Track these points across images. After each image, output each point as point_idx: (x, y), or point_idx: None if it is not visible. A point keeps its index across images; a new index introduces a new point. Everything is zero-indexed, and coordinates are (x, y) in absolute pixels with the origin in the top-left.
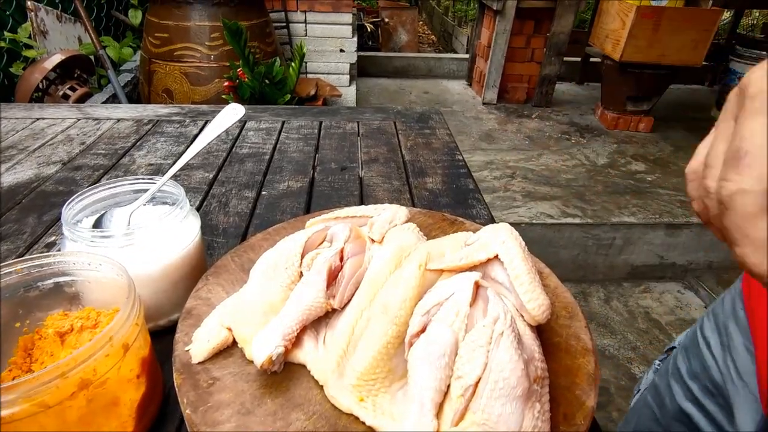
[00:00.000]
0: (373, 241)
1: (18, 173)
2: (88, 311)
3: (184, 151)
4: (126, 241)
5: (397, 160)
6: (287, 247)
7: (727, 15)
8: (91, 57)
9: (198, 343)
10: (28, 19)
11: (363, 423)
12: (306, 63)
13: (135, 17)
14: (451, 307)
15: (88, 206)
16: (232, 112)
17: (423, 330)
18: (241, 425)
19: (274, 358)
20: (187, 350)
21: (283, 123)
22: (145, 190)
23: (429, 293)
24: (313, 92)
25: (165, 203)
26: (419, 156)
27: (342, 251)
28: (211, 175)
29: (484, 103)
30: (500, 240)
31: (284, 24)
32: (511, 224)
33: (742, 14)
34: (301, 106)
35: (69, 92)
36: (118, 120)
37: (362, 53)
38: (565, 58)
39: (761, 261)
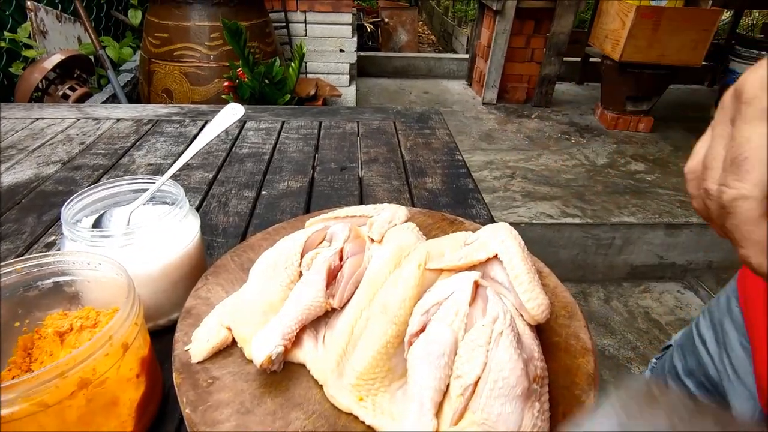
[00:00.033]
0: (372, 240)
1: (18, 173)
2: (88, 311)
3: (183, 151)
4: (125, 241)
5: (396, 160)
6: (287, 247)
7: (726, 15)
8: (91, 57)
9: (197, 343)
10: (28, 19)
11: (362, 422)
12: (306, 63)
13: (135, 17)
14: (450, 307)
15: (88, 206)
16: (232, 112)
17: (422, 329)
18: (241, 424)
19: (273, 358)
20: (187, 350)
21: (283, 123)
22: (145, 190)
23: (428, 293)
24: (312, 92)
25: (164, 203)
26: (419, 156)
27: (341, 251)
28: (211, 175)
29: (483, 103)
30: (499, 239)
31: (284, 24)
32: (511, 224)
33: (741, 14)
34: (300, 106)
35: (68, 92)
36: (118, 120)
37: (362, 53)
38: (565, 58)
39: (763, 262)
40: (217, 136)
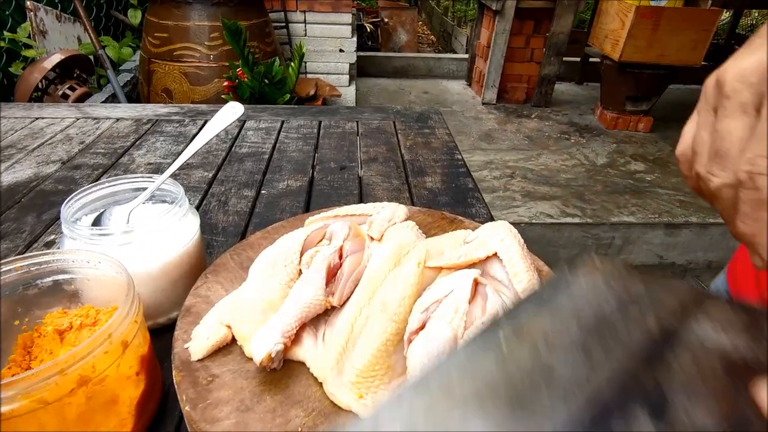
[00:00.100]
0: (372, 239)
1: (17, 172)
2: (88, 309)
3: (183, 150)
4: (125, 239)
5: (396, 160)
6: (286, 245)
7: (726, 15)
8: (91, 57)
9: (197, 341)
10: (28, 19)
11: None
12: (305, 63)
13: (134, 17)
14: (450, 305)
15: (88, 204)
16: (232, 111)
17: (422, 327)
18: (241, 422)
19: (273, 355)
20: (187, 348)
21: (283, 122)
22: (145, 189)
23: (428, 290)
24: (312, 92)
25: (164, 202)
26: (418, 155)
27: (341, 249)
28: (211, 174)
29: (483, 103)
30: (499, 238)
31: (284, 24)
32: (511, 224)
33: (741, 14)
34: (300, 106)
35: (68, 92)
36: (118, 119)
37: (362, 53)
38: (565, 58)
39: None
40: (217, 135)
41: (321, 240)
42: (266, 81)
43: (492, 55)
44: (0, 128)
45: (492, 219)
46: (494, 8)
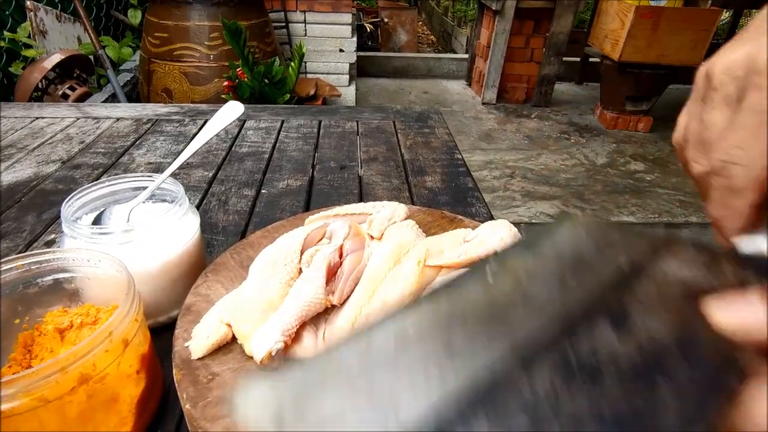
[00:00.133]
0: (372, 237)
1: (17, 172)
2: (88, 308)
3: (183, 150)
4: (125, 238)
5: (396, 159)
6: (286, 244)
7: (725, 15)
8: (91, 57)
9: (197, 339)
10: (28, 19)
11: None
12: (305, 63)
13: (134, 17)
14: None
15: (88, 203)
16: (232, 110)
17: None
18: None
19: (273, 354)
20: (187, 346)
21: (283, 122)
22: (145, 188)
23: (428, 289)
24: (312, 92)
25: (164, 201)
26: (418, 155)
27: (341, 248)
28: (211, 174)
29: (483, 103)
30: (499, 236)
31: (284, 24)
32: (511, 223)
33: (741, 14)
34: (300, 106)
35: (68, 92)
36: (118, 119)
37: (362, 53)
38: (565, 58)
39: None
40: (217, 135)
41: (321, 239)
42: (266, 81)
43: (492, 55)
44: (0, 128)
45: (492, 218)
46: (494, 8)
